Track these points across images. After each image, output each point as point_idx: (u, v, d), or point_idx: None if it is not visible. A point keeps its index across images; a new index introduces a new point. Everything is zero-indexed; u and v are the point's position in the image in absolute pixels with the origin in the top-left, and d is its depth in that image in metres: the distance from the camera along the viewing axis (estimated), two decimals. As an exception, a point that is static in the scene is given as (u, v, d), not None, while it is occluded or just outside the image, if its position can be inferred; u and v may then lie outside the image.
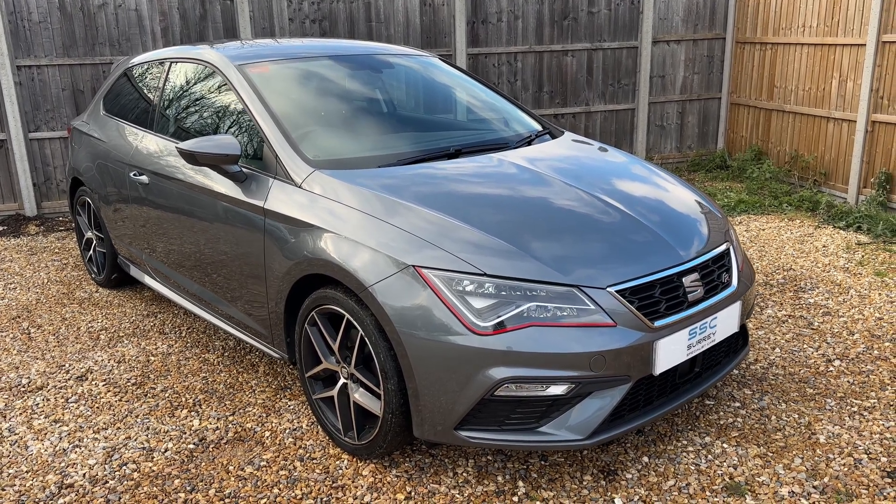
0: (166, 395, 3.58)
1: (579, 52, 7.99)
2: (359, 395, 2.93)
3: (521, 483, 2.84)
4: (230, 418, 3.35)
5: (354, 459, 3.01)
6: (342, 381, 3.01)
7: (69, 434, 3.26)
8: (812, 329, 4.16)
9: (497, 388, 2.55)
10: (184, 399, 3.54)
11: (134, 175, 4.16)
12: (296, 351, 3.23)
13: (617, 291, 2.65)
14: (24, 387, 3.70)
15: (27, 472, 3.00)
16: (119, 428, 3.30)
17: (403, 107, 4.18)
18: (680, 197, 3.35)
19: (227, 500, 2.78)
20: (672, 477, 2.85)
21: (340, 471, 2.95)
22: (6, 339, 4.30)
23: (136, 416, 3.39)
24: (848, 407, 3.33)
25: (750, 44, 8.01)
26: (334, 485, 2.86)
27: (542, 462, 2.97)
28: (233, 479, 2.92)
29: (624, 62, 8.16)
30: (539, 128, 4.07)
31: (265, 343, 3.45)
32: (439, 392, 2.62)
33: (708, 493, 2.75)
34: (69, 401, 3.55)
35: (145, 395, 3.58)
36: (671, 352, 2.73)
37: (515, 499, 2.76)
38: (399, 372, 2.72)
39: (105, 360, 3.97)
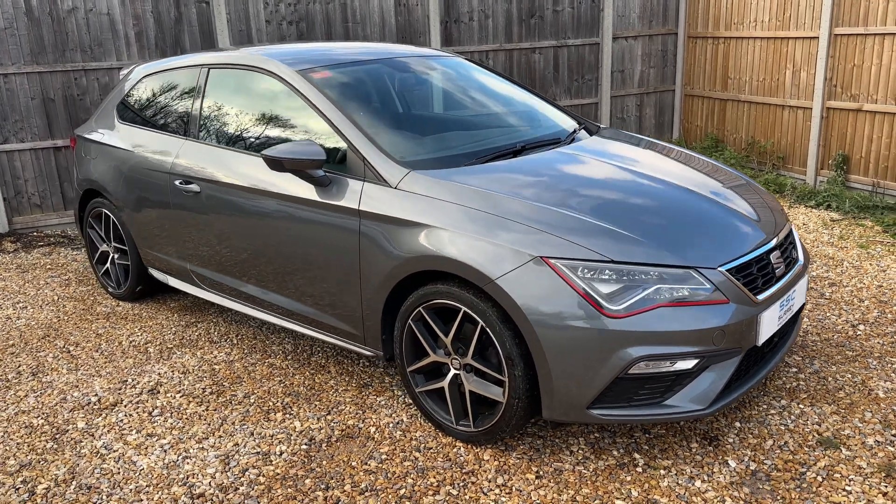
0: (251, 401, 3.59)
1: (546, 49, 8.28)
2: (475, 385, 3.06)
3: (637, 455, 3.05)
4: (328, 418, 3.41)
5: (471, 446, 3.14)
6: (453, 371, 3.14)
7: (171, 446, 3.23)
8: (826, 299, 4.56)
9: (631, 367, 2.75)
10: (271, 403, 3.56)
11: (179, 184, 4.10)
12: (395, 347, 3.33)
13: (727, 270, 2.89)
14: (96, 404, 3.62)
15: (147, 486, 2.97)
16: (221, 436, 3.30)
17: (456, 106, 4.30)
18: (743, 183, 3.64)
19: (366, 494, 2.87)
20: (769, 438, 3.13)
21: (462, 458, 3.07)
22: (48, 358, 4.16)
23: (233, 423, 3.39)
24: (889, 364, 3.71)
25: (702, 38, 8.51)
26: (463, 471, 2.98)
27: (647, 435, 3.19)
28: (361, 473, 2.99)
29: (587, 58, 8.51)
30: (576, 123, 4.28)
31: (355, 343, 3.51)
32: (573, 375, 2.79)
33: (806, 449, 3.04)
34: (153, 414, 3.50)
35: (230, 403, 3.58)
36: (769, 323, 3.00)
37: (639, 469, 2.96)
38: (525, 359, 2.87)
39: (168, 371, 3.92)
